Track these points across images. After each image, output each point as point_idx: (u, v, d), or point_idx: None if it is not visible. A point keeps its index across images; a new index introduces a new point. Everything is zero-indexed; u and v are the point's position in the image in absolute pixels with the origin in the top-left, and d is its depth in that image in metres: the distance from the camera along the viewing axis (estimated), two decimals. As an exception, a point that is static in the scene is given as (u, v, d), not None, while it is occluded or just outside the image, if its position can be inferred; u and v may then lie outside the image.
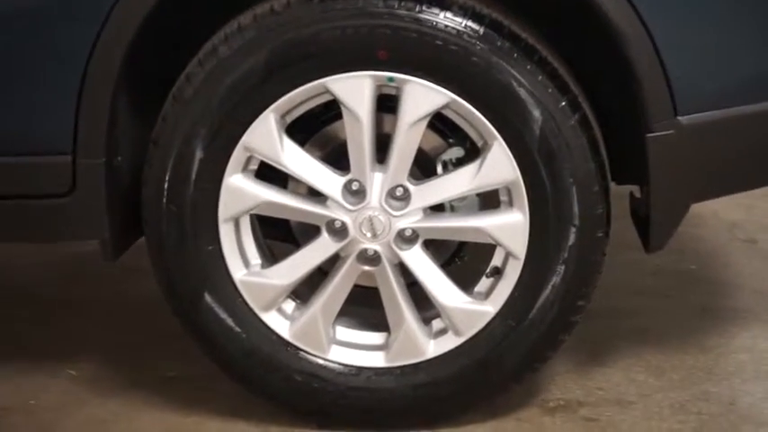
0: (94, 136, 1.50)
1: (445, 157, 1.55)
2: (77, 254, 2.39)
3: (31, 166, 1.54)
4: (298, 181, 1.54)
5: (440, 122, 1.53)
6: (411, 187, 1.48)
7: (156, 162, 1.51)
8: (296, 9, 1.43)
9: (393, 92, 1.46)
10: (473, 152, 1.53)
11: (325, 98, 1.48)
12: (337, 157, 1.54)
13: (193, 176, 1.49)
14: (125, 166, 1.57)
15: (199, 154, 1.48)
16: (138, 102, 1.57)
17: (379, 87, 1.45)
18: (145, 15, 1.44)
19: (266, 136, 1.47)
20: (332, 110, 1.53)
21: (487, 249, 1.56)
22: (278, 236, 1.64)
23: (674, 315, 2.04)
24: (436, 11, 1.40)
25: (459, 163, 1.55)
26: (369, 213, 1.49)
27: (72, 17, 1.47)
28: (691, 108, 1.44)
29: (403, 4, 1.40)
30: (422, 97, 1.43)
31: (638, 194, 1.61)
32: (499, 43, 1.41)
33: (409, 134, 1.45)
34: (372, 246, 1.50)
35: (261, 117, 1.46)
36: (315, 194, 1.53)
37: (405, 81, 1.42)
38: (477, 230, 1.51)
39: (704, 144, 1.46)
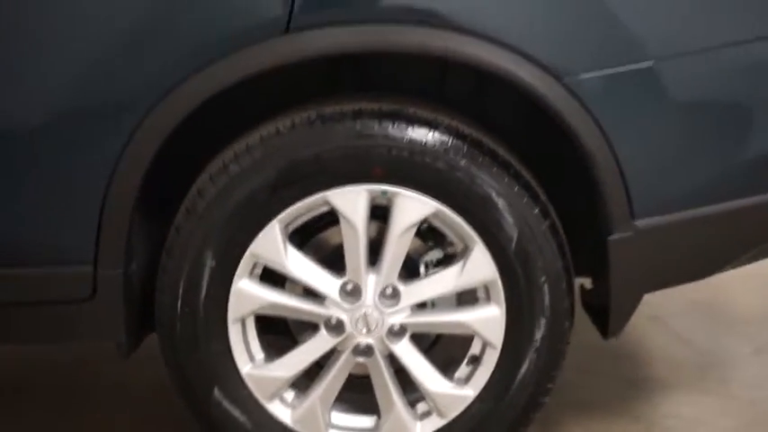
0: (114, 247, 1.54)
1: (427, 258, 1.64)
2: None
3: (55, 274, 1.56)
4: (294, 282, 1.60)
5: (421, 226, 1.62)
6: (401, 287, 1.57)
7: (170, 270, 1.56)
8: (299, 131, 1.52)
9: (384, 202, 1.55)
10: (451, 254, 1.64)
11: (324, 208, 1.56)
12: (331, 260, 1.60)
13: (205, 283, 1.54)
14: (138, 272, 1.61)
15: (210, 262, 1.54)
16: (151, 214, 1.61)
17: (372, 199, 1.53)
18: (163, 140, 1.50)
19: (272, 244, 1.54)
20: (325, 217, 1.60)
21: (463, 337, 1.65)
22: (274, 330, 1.69)
23: (607, 387, 2.17)
24: (425, 131, 1.51)
25: (439, 263, 1.64)
26: (364, 311, 1.56)
27: (95, 141, 1.51)
28: (645, 213, 1.56)
29: (396, 126, 1.51)
30: (411, 208, 1.53)
31: (588, 286, 1.75)
32: (480, 159, 1.52)
33: (399, 241, 1.54)
34: (366, 340, 1.57)
35: (267, 228, 1.53)
36: (312, 294, 1.59)
37: (396, 194, 1.52)
38: (460, 324, 1.60)
39: (657, 244, 1.59)
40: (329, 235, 1.64)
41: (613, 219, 1.55)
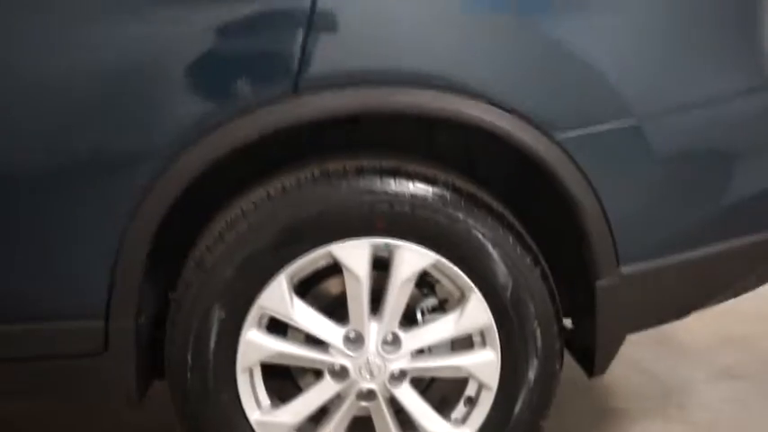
0: (126, 301, 1.57)
1: (422, 305, 1.71)
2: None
3: (66, 329, 1.58)
4: (296, 329, 1.66)
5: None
6: (401, 334, 1.63)
7: (180, 323, 1.59)
8: (305, 188, 1.57)
9: (385, 255, 1.61)
10: (443, 300, 1.71)
11: (328, 260, 1.62)
12: (332, 308, 1.65)
13: (215, 335, 1.58)
14: (147, 323, 1.64)
15: (219, 315, 1.58)
16: (157, 262, 1.64)
17: (374, 251, 1.60)
18: (177, 195, 1.54)
19: (279, 297, 1.59)
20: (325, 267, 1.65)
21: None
22: (277, 375, 1.72)
23: (575, 420, 2.25)
24: (424, 186, 1.58)
25: (434, 310, 1.71)
26: (367, 358, 1.62)
27: (109, 198, 1.54)
28: (630, 260, 1.66)
29: (397, 182, 1.58)
30: (412, 260, 1.59)
31: (569, 326, 1.84)
32: (476, 212, 1.60)
33: (401, 291, 1.61)
34: (369, 385, 1.63)
35: (274, 281, 1.58)
36: (316, 341, 1.64)
37: (397, 246, 1.58)
38: (458, 368, 1.67)
39: (640, 287, 1.68)
40: (330, 284, 1.69)
41: (600, 265, 1.64)
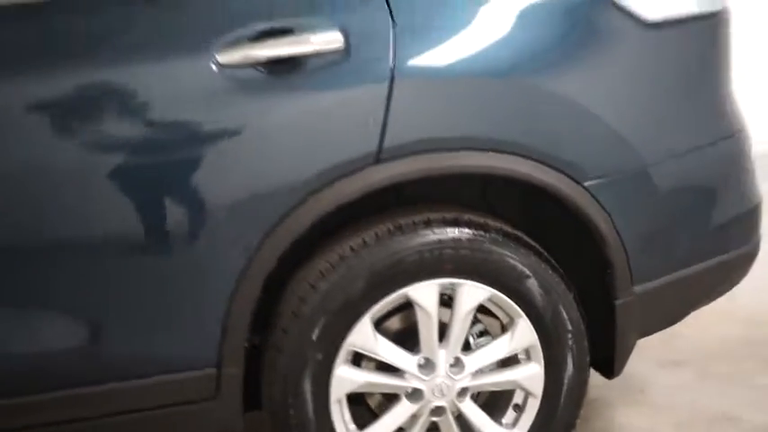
0: (237, 347, 1.76)
1: (473, 331, 1.97)
2: None
3: (186, 379, 1.75)
4: (369, 359, 1.87)
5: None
6: (464, 357, 1.88)
7: (279, 366, 1.79)
8: (384, 241, 1.80)
9: (449, 292, 1.87)
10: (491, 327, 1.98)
11: (400, 300, 1.85)
12: (402, 339, 1.88)
13: (311, 374, 1.79)
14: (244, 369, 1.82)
15: (315, 357, 1.78)
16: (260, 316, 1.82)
17: (441, 290, 1.85)
18: (283, 250, 1.74)
19: (365, 335, 1.81)
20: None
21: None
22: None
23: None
24: (483, 233, 1.84)
25: (481, 334, 1.97)
26: (438, 380, 1.86)
27: (223, 261, 1.72)
28: (641, 280, 1.97)
29: (463, 230, 1.83)
30: (473, 295, 1.85)
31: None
32: (521, 250, 1.87)
33: (463, 322, 1.86)
34: (440, 403, 1.87)
35: (361, 322, 1.80)
36: (390, 369, 1.86)
37: (461, 284, 1.83)
38: (511, 382, 1.94)
39: (648, 302, 1.99)
40: (398, 319, 1.92)
41: (619, 288, 1.95)
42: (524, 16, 1.83)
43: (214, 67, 1.65)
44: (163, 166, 1.67)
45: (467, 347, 1.93)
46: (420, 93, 1.76)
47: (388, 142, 1.74)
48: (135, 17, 1.67)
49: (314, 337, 1.78)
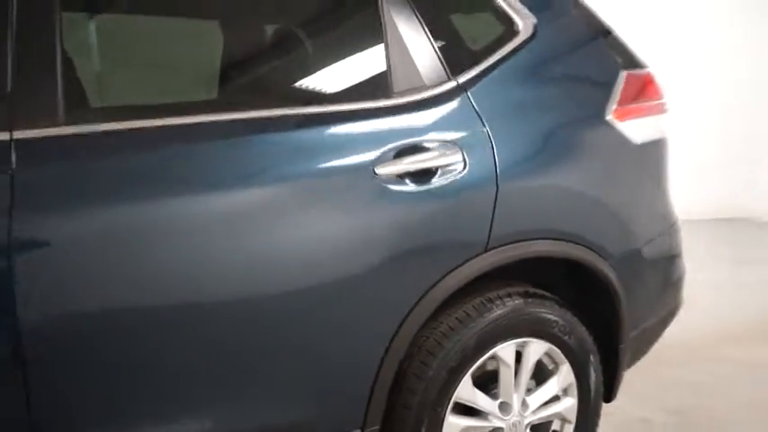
0: (378, 410, 2.05)
1: (522, 376, 2.40)
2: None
3: None
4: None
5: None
6: (527, 399, 2.31)
7: (409, 421, 2.10)
8: (481, 312, 2.18)
9: (519, 348, 2.28)
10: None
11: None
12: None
13: (430, 424, 2.12)
14: None
15: (435, 410, 2.12)
16: None
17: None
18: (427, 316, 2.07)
19: (468, 389, 2.17)
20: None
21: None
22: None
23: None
24: (543, 300, 2.29)
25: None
26: (513, 419, 2.27)
27: (376, 330, 2.00)
28: (633, 329, 2.50)
29: (532, 300, 2.26)
30: (536, 349, 2.28)
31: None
32: (565, 312, 2.33)
33: (530, 371, 2.29)
34: (515, 436, 2.30)
35: (464, 378, 2.16)
36: (475, 413, 2.24)
37: (530, 342, 2.26)
38: (557, 414, 2.39)
39: (635, 344, 2.55)
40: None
41: (623, 335, 2.48)
42: (577, 140, 2.33)
43: (374, 177, 1.96)
44: (332, 254, 1.92)
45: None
46: (514, 196, 2.17)
47: (493, 235, 2.13)
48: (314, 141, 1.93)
49: (434, 396, 2.11)
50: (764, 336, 4.27)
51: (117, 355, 1.72)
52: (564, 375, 2.37)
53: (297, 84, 2.05)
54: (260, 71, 2.04)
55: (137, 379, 1.75)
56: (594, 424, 2.48)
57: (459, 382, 2.16)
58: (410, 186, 2.00)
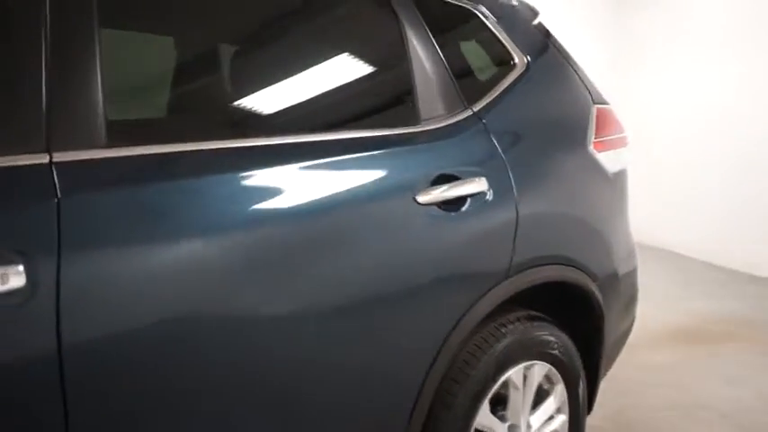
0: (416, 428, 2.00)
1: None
2: None
3: None
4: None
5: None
6: (531, 418, 2.33)
7: None
8: (498, 337, 2.17)
9: (525, 372, 2.29)
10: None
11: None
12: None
13: None
14: None
15: None
16: None
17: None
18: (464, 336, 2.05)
19: (486, 415, 2.16)
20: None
21: None
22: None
23: None
24: (545, 324, 2.32)
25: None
26: None
27: (429, 336, 1.97)
28: (606, 344, 2.59)
29: (536, 324, 2.28)
30: (539, 371, 2.31)
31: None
32: (561, 335, 2.36)
33: (533, 393, 2.31)
34: (521, 454, 2.31)
35: (483, 404, 2.15)
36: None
37: (534, 364, 2.28)
38: (555, 429, 2.43)
39: (608, 354, 2.65)
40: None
41: (605, 348, 2.56)
42: (571, 169, 2.40)
43: (415, 205, 1.92)
44: (382, 277, 1.86)
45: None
46: (529, 223, 2.18)
47: (514, 262, 2.14)
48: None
49: (459, 424, 2.08)
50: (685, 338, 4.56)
51: (171, 384, 1.57)
52: (559, 394, 2.41)
53: (340, 109, 1.97)
54: (309, 96, 1.94)
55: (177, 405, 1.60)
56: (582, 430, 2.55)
57: (480, 408, 2.14)
58: (446, 214, 1.97)
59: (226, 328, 1.61)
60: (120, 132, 1.54)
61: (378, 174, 1.88)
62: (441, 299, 1.98)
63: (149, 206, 1.50)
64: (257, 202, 1.66)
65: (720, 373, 4.02)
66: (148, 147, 1.55)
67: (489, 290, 2.08)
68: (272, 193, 1.68)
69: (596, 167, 2.49)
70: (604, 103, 2.63)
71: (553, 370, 2.36)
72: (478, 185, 2.04)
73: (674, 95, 7.19)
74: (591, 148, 2.47)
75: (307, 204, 1.73)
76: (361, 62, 2.06)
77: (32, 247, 1.37)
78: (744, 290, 5.75)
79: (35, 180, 1.40)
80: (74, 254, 1.40)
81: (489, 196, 2.06)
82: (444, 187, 1.97)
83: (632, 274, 2.78)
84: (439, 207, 1.96)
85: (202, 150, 1.62)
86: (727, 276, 6.17)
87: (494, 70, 2.33)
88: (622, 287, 2.65)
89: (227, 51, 1.86)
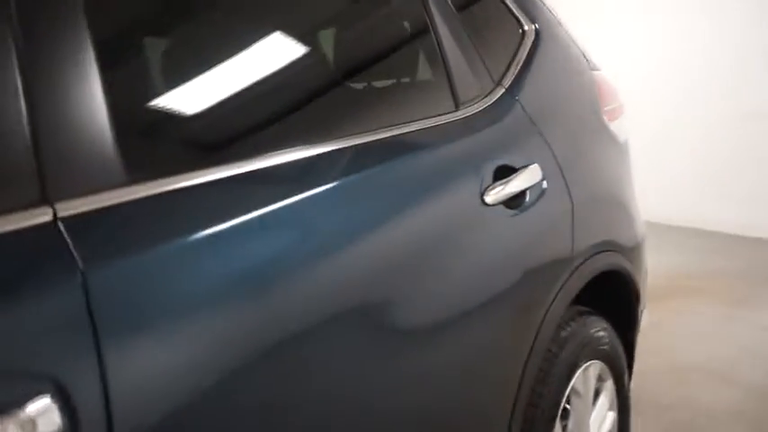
0: None
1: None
2: None
3: None
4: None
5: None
6: (590, 422, 2.06)
7: None
8: (561, 342, 1.88)
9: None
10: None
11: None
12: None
13: None
14: None
15: None
16: None
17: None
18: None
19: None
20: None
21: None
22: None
23: None
24: (600, 320, 2.05)
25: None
26: None
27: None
28: None
29: (588, 320, 2.00)
30: (595, 372, 2.04)
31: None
32: (609, 330, 2.11)
33: (592, 396, 2.04)
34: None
35: (556, 423, 1.86)
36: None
37: (590, 365, 2.00)
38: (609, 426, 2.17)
39: None
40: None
41: (637, 330, 2.32)
42: (597, 142, 2.15)
43: (485, 207, 1.59)
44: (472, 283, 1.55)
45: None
46: (583, 211, 1.90)
47: (576, 253, 1.86)
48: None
49: None
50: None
51: None
52: (610, 391, 2.15)
53: (384, 106, 1.59)
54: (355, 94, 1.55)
55: None
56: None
57: (554, 427, 1.84)
58: (513, 212, 1.66)
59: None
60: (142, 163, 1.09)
61: (441, 178, 1.53)
62: (525, 300, 1.70)
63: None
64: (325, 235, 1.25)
65: (693, 331, 3.91)
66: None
67: (562, 286, 1.81)
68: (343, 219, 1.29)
69: (613, 139, 2.23)
70: (597, 69, 2.36)
71: (605, 367, 2.10)
72: (534, 174, 1.73)
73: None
74: (605, 118, 2.20)
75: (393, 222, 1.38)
76: (386, 43, 1.69)
77: (60, 363, 0.88)
78: (688, 244, 5.69)
79: (39, 249, 0.92)
80: (124, 363, 0.93)
81: (545, 184, 1.76)
82: (504, 182, 1.64)
83: (644, 243, 2.56)
84: (505, 206, 1.63)
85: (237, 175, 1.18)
86: (672, 232, 6.08)
87: (506, 40, 2.00)
88: (643, 258, 2.42)
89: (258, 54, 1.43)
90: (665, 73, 6.32)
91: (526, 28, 2.04)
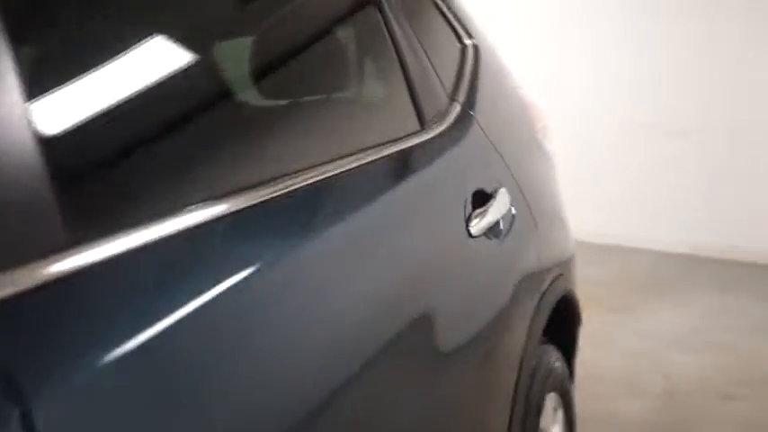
0: None
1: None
2: None
3: None
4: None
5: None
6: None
7: None
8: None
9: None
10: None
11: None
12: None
13: None
14: None
15: None
16: None
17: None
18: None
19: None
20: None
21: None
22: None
23: None
24: (552, 354, 1.92)
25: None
26: None
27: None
28: None
29: (546, 348, 1.87)
30: (552, 404, 1.91)
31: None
32: (561, 359, 1.99)
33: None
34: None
35: None
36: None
37: (548, 398, 1.86)
38: None
39: None
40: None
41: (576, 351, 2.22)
42: (540, 158, 2.06)
43: (471, 239, 1.44)
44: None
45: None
46: (543, 234, 1.79)
47: (542, 277, 1.78)
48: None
49: None
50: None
51: None
52: (560, 422, 2.03)
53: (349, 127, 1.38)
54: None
55: None
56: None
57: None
58: (493, 240, 1.51)
59: None
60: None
61: (426, 212, 1.34)
62: (508, 336, 1.59)
63: None
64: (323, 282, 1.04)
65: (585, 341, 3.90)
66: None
67: (535, 316, 1.69)
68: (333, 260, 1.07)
69: (547, 155, 2.13)
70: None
71: (558, 398, 1.97)
72: (505, 198, 1.58)
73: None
74: (539, 135, 2.09)
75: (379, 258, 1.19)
76: (349, 59, 1.49)
77: None
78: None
79: None
80: None
81: (513, 210, 1.61)
82: (481, 210, 1.48)
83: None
84: (486, 235, 1.47)
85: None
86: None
87: (449, 54, 1.83)
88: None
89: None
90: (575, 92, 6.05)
91: (466, 42, 1.88)
